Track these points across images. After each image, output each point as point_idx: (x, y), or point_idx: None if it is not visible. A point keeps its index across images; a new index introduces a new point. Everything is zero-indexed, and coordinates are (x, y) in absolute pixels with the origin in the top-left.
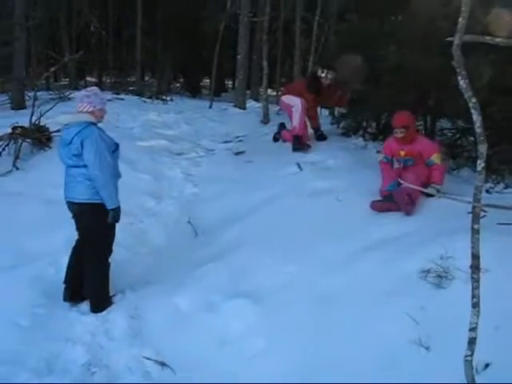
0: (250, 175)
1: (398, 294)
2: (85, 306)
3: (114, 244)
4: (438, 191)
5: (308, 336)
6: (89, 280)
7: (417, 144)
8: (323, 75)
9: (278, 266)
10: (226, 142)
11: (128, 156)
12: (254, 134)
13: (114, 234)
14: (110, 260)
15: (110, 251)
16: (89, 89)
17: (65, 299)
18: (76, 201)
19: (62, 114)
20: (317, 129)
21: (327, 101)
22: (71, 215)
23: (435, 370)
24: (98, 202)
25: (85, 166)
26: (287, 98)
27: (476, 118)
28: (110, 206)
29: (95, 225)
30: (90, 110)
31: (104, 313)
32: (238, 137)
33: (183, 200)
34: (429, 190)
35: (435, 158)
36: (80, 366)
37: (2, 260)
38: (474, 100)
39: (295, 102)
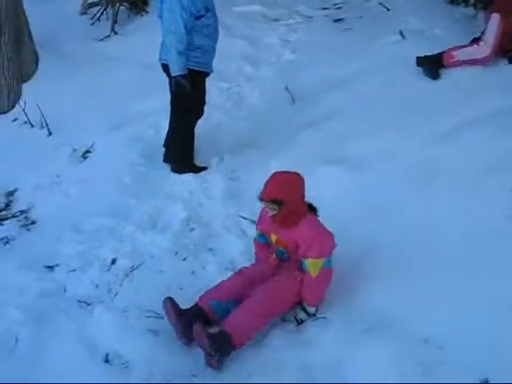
0: (349, 43)
1: (501, 169)
2: None
3: (212, 107)
4: (312, 315)
5: (402, 208)
6: (171, 141)
7: (297, 230)
8: None
9: (376, 135)
10: (325, 8)
11: (223, 21)
12: (353, 1)
13: (202, 99)
14: (195, 128)
15: (197, 116)
16: None
17: (164, 161)
18: (163, 62)
19: None
20: None
21: None
22: None
23: None
24: None
25: None
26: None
27: None
28: (171, 72)
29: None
30: None
31: (202, 173)
32: (336, 4)
33: (280, 66)
34: (300, 316)
35: (309, 265)
36: (180, 221)
37: (105, 121)
38: None
39: None
